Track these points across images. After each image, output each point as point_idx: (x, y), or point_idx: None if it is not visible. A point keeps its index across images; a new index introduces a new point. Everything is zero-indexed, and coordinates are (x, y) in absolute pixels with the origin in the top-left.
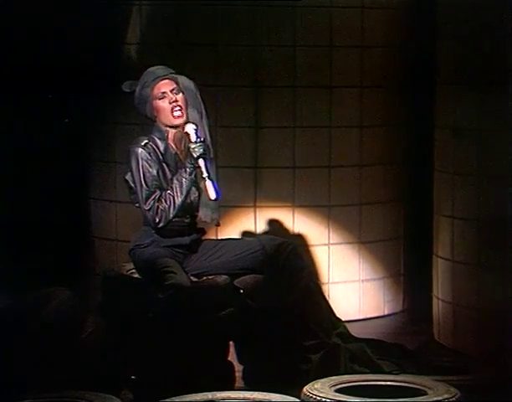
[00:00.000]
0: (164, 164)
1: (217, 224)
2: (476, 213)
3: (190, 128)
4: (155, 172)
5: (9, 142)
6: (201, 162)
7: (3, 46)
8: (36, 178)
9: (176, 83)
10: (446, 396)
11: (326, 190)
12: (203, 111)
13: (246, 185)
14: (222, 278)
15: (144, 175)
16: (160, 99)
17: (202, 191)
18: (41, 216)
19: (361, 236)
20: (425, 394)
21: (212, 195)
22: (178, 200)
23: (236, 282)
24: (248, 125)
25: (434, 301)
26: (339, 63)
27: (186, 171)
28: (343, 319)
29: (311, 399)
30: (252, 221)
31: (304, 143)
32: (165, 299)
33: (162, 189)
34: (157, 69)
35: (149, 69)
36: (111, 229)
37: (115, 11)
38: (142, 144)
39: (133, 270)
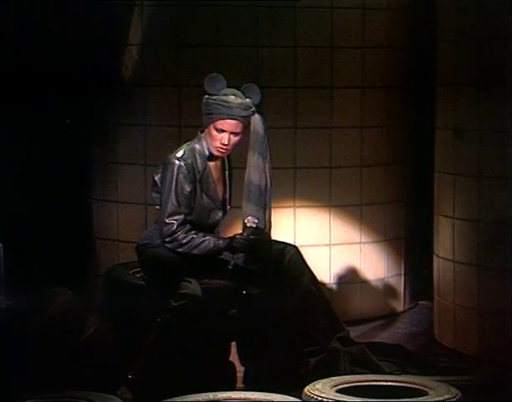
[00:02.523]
0: (198, 183)
1: None
2: (476, 213)
3: (251, 222)
4: (188, 190)
5: (10, 143)
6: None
7: (6, 46)
8: (37, 179)
9: (245, 126)
10: (447, 396)
11: (327, 191)
12: (268, 157)
13: None
14: (225, 280)
15: (176, 191)
16: (216, 130)
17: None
18: (42, 216)
19: (362, 237)
20: (426, 394)
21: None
22: (194, 250)
23: (238, 284)
24: None
25: (434, 301)
26: (340, 63)
27: (220, 245)
28: (344, 319)
29: (312, 400)
30: None
31: (304, 144)
32: (178, 307)
33: (189, 207)
34: (235, 108)
35: (231, 100)
36: (113, 230)
37: (117, 11)
38: (182, 156)
39: (136, 270)
